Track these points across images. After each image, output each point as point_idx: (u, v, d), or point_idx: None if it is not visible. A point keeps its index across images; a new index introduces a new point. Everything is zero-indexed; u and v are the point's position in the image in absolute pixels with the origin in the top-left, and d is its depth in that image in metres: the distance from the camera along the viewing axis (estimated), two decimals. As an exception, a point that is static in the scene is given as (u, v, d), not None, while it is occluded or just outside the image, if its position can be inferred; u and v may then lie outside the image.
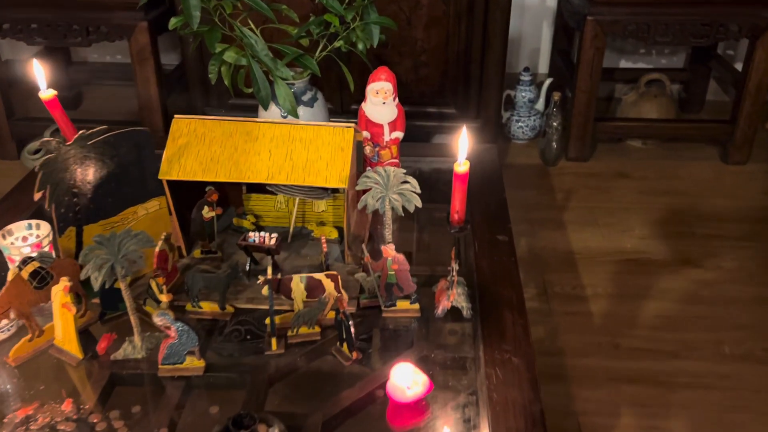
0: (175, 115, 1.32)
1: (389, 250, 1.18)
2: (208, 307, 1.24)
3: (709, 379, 1.85)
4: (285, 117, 1.55)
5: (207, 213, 1.32)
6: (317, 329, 1.19)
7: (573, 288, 2.18)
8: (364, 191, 1.25)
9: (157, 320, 1.08)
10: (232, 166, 1.27)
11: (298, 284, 1.18)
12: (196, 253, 1.37)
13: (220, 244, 1.40)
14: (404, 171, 1.22)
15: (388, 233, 1.25)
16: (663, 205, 2.62)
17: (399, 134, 1.49)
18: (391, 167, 1.21)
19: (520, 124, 2.86)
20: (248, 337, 1.19)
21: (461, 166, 1.12)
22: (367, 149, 1.50)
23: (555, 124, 2.69)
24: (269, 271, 1.14)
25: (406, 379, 1.06)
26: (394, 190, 1.22)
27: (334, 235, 1.41)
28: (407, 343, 1.19)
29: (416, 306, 1.24)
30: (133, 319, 1.13)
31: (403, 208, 1.23)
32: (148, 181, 1.28)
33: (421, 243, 1.47)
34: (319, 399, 1.08)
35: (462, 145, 1.11)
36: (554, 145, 2.73)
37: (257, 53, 1.49)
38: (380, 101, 1.45)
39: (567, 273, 2.24)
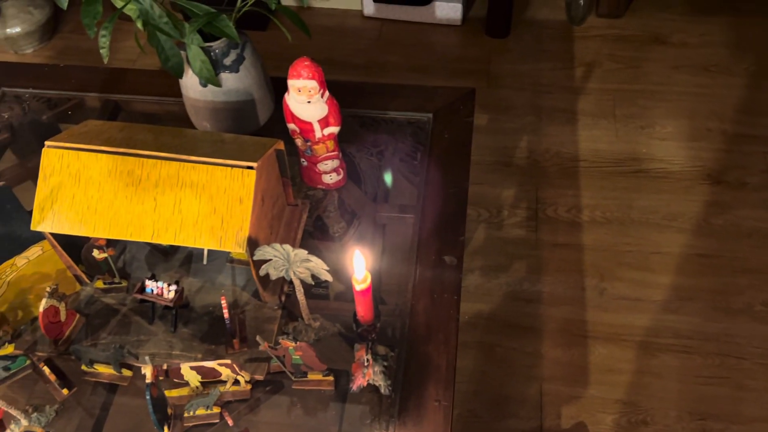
0: (46, 143, 1.08)
1: (287, 342, 1.02)
2: (105, 368, 1.13)
3: (694, 341, 1.71)
4: (205, 86, 1.27)
5: (98, 255, 1.15)
6: (216, 410, 1.09)
7: (568, 210, 1.96)
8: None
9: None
10: (112, 218, 1.07)
11: (188, 371, 1.05)
12: (99, 283, 1.22)
13: (125, 262, 1.25)
14: (306, 252, 1.00)
15: (301, 298, 1.08)
16: (699, 88, 2.24)
17: (334, 129, 1.22)
18: (287, 246, 1.00)
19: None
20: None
21: (360, 283, 0.90)
22: (299, 142, 1.24)
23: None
24: (148, 371, 1.00)
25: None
26: (297, 266, 1.02)
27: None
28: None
29: (330, 378, 1.11)
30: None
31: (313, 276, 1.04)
32: (20, 231, 1.10)
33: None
34: None
35: (357, 265, 0.89)
36: None
37: (154, 20, 1.18)
38: (304, 100, 1.16)
39: (566, 189, 2.00)
